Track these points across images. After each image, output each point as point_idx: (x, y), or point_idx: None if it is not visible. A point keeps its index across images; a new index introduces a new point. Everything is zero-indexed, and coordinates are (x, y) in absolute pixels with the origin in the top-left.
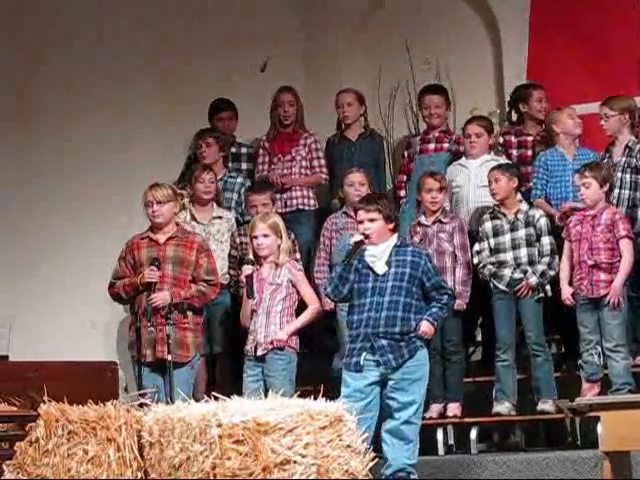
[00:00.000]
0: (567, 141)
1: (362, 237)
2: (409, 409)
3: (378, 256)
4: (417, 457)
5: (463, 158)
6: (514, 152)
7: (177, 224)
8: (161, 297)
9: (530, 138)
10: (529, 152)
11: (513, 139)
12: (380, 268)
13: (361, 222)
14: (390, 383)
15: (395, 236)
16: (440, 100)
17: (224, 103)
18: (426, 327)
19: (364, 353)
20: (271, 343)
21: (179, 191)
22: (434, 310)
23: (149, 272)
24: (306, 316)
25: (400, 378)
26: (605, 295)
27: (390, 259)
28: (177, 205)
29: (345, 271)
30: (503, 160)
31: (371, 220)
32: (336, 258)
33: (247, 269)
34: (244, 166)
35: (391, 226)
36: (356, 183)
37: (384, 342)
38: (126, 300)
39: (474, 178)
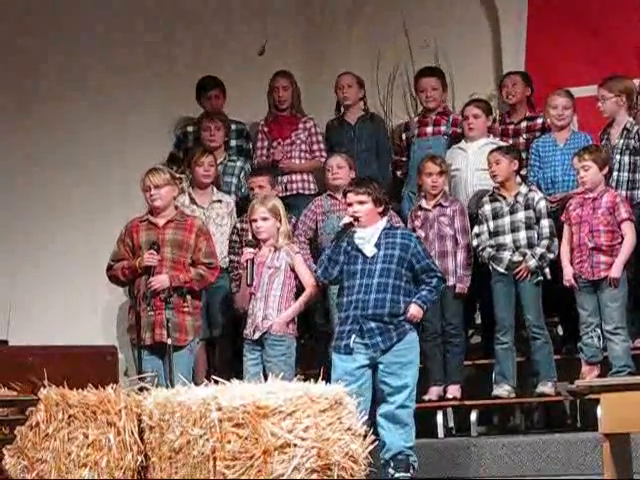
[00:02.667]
0: (557, 126)
1: (351, 219)
2: (402, 393)
3: (367, 238)
4: (414, 439)
5: (462, 142)
6: (497, 139)
7: (176, 207)
8: (160, 280)
9: (512, 126)
10: (510, 140)
11: (498, 126)
12: (369, 250)
13: (350, 205)
14: (381, 367)
15: (385, 219)
16: (437, 82)
17: (212, 81)
18: (415, 310)
19: (353, 336)
20: (270, 327)
21: (177, 175)
22: (423, 293)
23: (148, 256)
24: (301, 302)
25: (390, 362)
26: (605, 277)
27: (379, 241)
28: (176, 189)
29: (334, 253)
30: (502, 143)
31: (360, 203)
32: (324, 241)
33: (248, 253)
34: (233, 143)
35: (380, 209)
36: (334, 166)
37: (373, 325)
38: (124, 283)
39: (473, 161)
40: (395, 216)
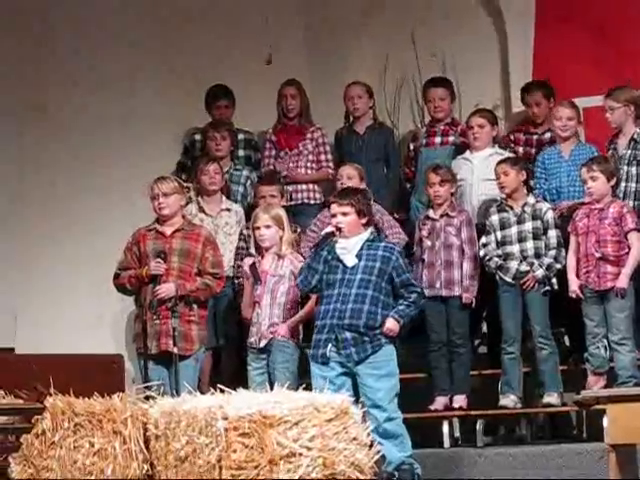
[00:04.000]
0: (561, 137)
1: (333, 229)
2: (384, 406)
3: (348, 249)
4: (410, 448)
5: (467, 152)
6: (520, 149)
7: (184, 217)
8: (166, 289)
9: (535, 137)
10: (533, 150)
11: (522, 136)
12: (350, 260)
13: (334, 215)
14: (358, 379)
15: (369, 230)
16: (444, 93)
17: (222, 91)
18: (391, 324)
19: (329, 345)
20: (272, 333)
21: (185, 184)
22: (401, 308)
23: (155, 265)
24: (306, 310)
25: (366, 373)
26: (612, 287)
27: (361, 252)
28: (183, 198)
29: (314, 261)
30: (507, 153)
31: (344, 214)
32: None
33: (248, 260)
34: (241, 152)
35: (364, 220)
36: (344, 177)
37: (348, 335)
38: (131, 291)
39: (478, 171)
40: (395, 227)
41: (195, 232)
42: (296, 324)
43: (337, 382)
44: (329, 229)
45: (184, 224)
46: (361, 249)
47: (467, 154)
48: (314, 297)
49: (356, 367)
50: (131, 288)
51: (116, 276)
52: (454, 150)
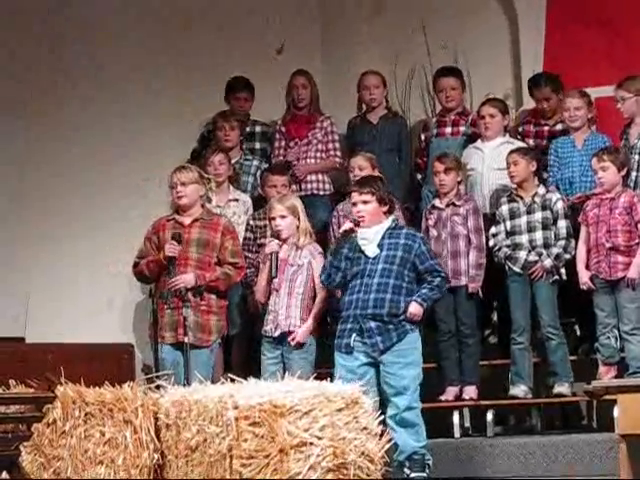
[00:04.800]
0: (572, 127)
1: (351, 225)
2: (406, 395)
3: (370, 239)
4: (425, 438)
5: (478, 141)
6: (531, 142)
7: (203, 206)
8: (185, 280)
9: (546, 128)
10: (544, 142)
11: (532, 128)
12: (371, 251)
13: (355, 204)
14: (382, 367)
15: (390, 219)
16: (456, 82)
17: (241, 83)
18: (413, 308)
19: (353, 335)
20: (290, 333)
21: (206, 175)
22: (423, 291)
23: (169, 246)
24: (317, 308)
25: (390, 362)
26: (623, 278)
27: (383, 242)
28: (202, 189)
29: (335, 259)
30: (518, 143)
31: (364, 202)
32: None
33: (274, 244)
34: (257, 145)
35: (385, 209)
36: (356, 168)
37: (372, 324)
38: (149, 279)
39: (489, 160)
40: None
41: (214, 222)
42: (313, 325)
43: (359, 372)
44: (347, 226)
45: (203, 214)
46: (383, 238)
47: (478, 143)
48: (321, 294)
49: (381, 356)
50: (149, 274)
51: (135, 265)
52: (465, 140)
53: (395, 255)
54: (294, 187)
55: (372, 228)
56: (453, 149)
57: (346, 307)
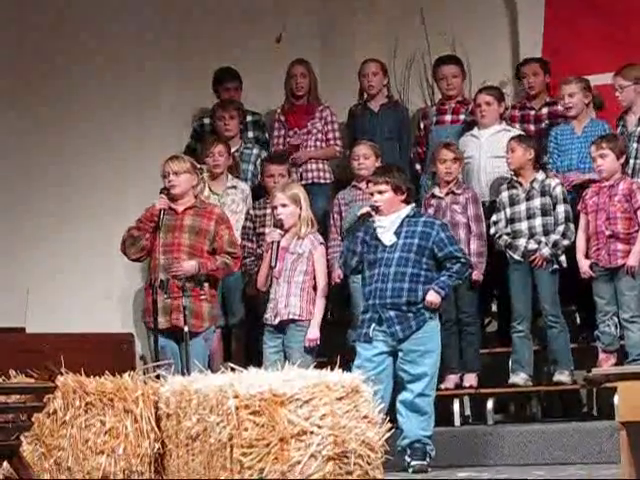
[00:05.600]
0: (569, 115)
1: (369, 209)
2: (421, 381)
3: (387, 227)
4: (432, 428)
5: (475, 129)
6: (517, 126)
7: (196, 197)
8: (186, 267)
9: (532, 112)
10: (532, 126)
11: (517, 113)
12: (387, 239)
13: (372, 194)
14: (400, 354)
15: (409, 207)
16: (457, 70)
17: (230, 73)
18: (431, 296)
19: (373, 324)
20: (289, 322)
21: (199, 165)
22: (442, 279)
23: (159, 200)
24: (320, 305)
25: (409, 349)
26: (622, 265)
27: (400, 230)
28: (195, 178)
29: (351, 243)
30: (515, 130)
31: (380, 192)
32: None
33: (275, 234)
34: (250, 134)
35: (402, 197)
36: (361, 156)
37: (392, 313)
38: (137, 240)
39: (486, 148)
40: None
41: (208, 210)
42: (319, 321)
43: (376, 360)
44: (364, 209)
45: (197, 202)
46: (400, 226)
47: (474, 131)
48: (320, 290)
49: (400, 344)
50: (138, 233)
51: (128, 230)
52: (463, 129)
53: (412, 243)
54: (294, 176)
55: (389, 216)
56: (453, 137)
57: (366, 297)
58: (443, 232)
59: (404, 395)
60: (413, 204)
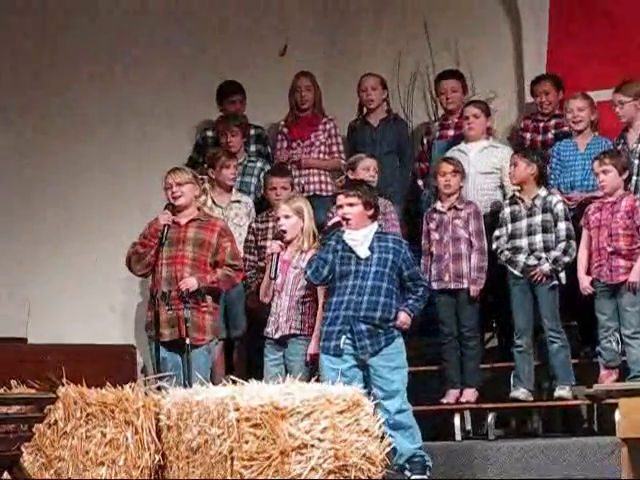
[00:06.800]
0: (575, 130)
1: (339, 219)
2: (396, 398)
3: (360, 240)
4: (421, 439)
5: (462, 143)
6: (527, 135)
7: (199, 209)
8: (187, 283)
9: (542, 124)
10: (539, 137)
11: (530, 123)
12: (362, 252)
13: (340, 207)
14: (371, 371)
15: (376, 223)
16: (457, 85)
17: (235, 86)
18: (404, 318)
19: (343, 337)
20: (290, 336)
21: (200, 176)
22: (410, 302)
23: (162, 215)
24: (321, 319)
25: (379, 365)
26: (624, 281)
27: (372, 244)
28: (197, 189)
29: (322, 252)
30: (503, 146)
31: (350, 205)
32: None
33: (275, 246)
34: (253, 148)
35: (370, 212)
36: (371, 169)
37: (363, 327)
38: (140, 255)
39: (475, 164)
40: (395, 226)
41: (211, 222)
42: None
43: (349, 374)
44: (336, 219)
45: (200, 214)
46: (372, 241)
47: (462, 146)
48: (321, 302)
49: (370, 359)
50: (143, 250)
51: (132, 245)
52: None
53: (387, 258)
54: (296, 189)
55: (360, 230)
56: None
57: (333, 308)
58: (409, 252)
59: (384, 416)
60: (378, 221)
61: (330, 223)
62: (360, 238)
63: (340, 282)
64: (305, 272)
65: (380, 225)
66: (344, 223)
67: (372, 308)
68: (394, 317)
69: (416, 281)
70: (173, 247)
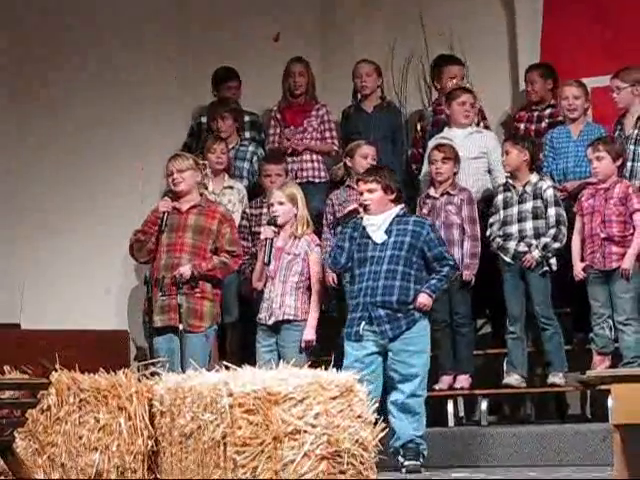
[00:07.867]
0: (570, 118)
1: (356, 206)
2: (412, 381)
3: (377, 225)
4: (425, 428)
5: (445, 129)
6: (522, 126)
7: (201, 194)
8: (181, 272)
9: (536, 113)
10: (533, 126)
11: (523, 113)
12: (378, 237)
13: (361, 193)
14: (390, 354)
15: (398, 207)
16: (459, 70)
17: (231, 72)
18: (423, 299)
19: (363, 323)
20: (284, 322)
21: (201, 161)
22: (432, 282)
23: (162, 202)
24: (315, 307)
25: (399, 349)
26: (617, 268)
27: (391, 228)
28: (199, 174)
29: (339, 240)
30: (487, 132)
31: (370, 191)
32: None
33: (268, 231)
34: (247, 134)
35: (392, 197)
36: (369, 156)
37: (382, 312)
38: (142, 242)
39: (462, 150)
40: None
41: (211, 209)
42: (315, 323)
43: (366, 361)
44: (353, 206)
45: (201, 201)
46: (391, 224)
47: (445, 132)
48: (315, 290)
49: (390, 344)
50: (144, 237)
51: (134, 233)
52: None
53: (404, 241)
54: (291, 175)
55: (379, 215)
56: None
57: (355, 295)
58: (433, 232)
59: (395, 396)
60: (402, 204)
61: (346, 211)
62: (378, 223)
63: (359, 269)
64: (326, 260)
65: (404, 208)
66: (361, 210)
67: (388, 293)
68: (413, 300)
69: (442, 261)
70: (173, 234)
